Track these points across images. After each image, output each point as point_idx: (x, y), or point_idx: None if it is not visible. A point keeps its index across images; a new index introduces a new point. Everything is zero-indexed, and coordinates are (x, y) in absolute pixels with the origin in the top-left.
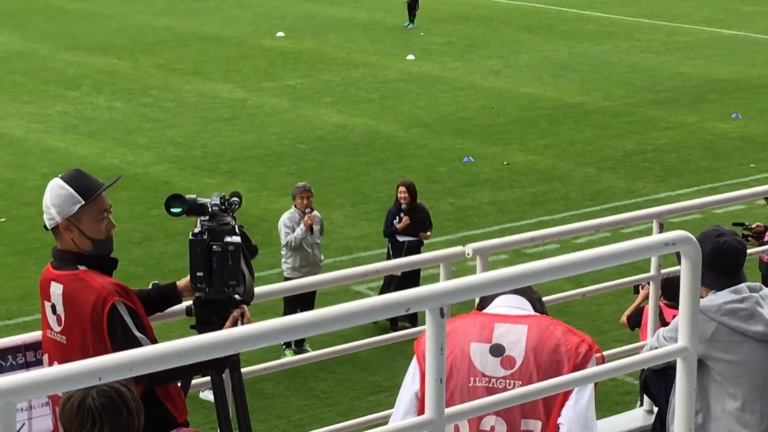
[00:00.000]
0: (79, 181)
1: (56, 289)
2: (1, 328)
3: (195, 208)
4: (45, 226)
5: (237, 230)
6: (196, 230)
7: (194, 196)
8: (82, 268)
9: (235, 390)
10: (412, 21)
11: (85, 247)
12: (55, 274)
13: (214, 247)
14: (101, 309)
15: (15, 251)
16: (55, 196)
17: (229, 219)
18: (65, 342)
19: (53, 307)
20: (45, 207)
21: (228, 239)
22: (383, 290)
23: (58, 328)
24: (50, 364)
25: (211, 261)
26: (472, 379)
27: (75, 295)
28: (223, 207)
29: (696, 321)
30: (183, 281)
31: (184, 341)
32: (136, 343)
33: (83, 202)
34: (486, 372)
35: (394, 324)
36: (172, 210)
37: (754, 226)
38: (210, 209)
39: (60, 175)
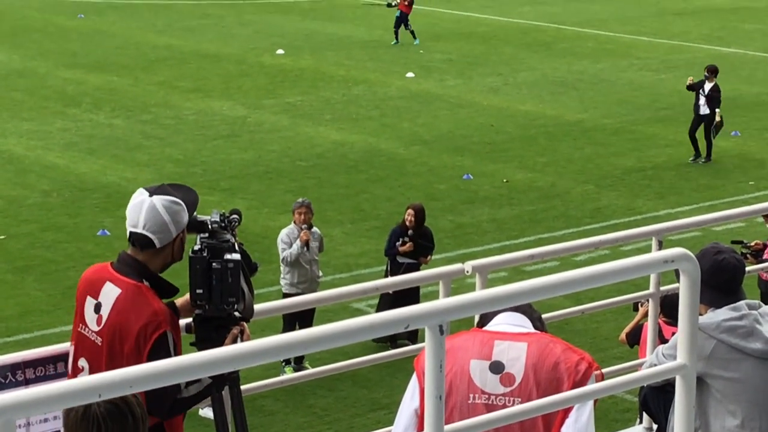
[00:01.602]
0: (180, 194)
1: (111, 291)
2: (0, 345)
3: (195, 226)
4: (139, 244)
5: (237, 247)
6: (196, 247)
7: (194, 213)
8: (146, 283)
9: (235, 407)
10: (397, 39)
11: (179, 257)
12: (116, 276)
13: (213, 264)
14: (152, 331)
15: (14, 268)
16: (174, 213)
17: (228, 236)
18: (100, 343)
19: (98, 306)
20: (161, 226)
21: (228, 256)
22: (379, 309)
23: (95, 327)
24: (76, 358)
25: (210, 278)
26: (471, 396)
27: (131, 305)
28: (223, 224)
29: (695, 338)
30: (181, 300)
31: (183, 358)
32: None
33: (189, 214)
34: (486, 389)
35: (393, 341)
36: None
37: (752, 243)
38: (210, 226)
39: (155, 191)
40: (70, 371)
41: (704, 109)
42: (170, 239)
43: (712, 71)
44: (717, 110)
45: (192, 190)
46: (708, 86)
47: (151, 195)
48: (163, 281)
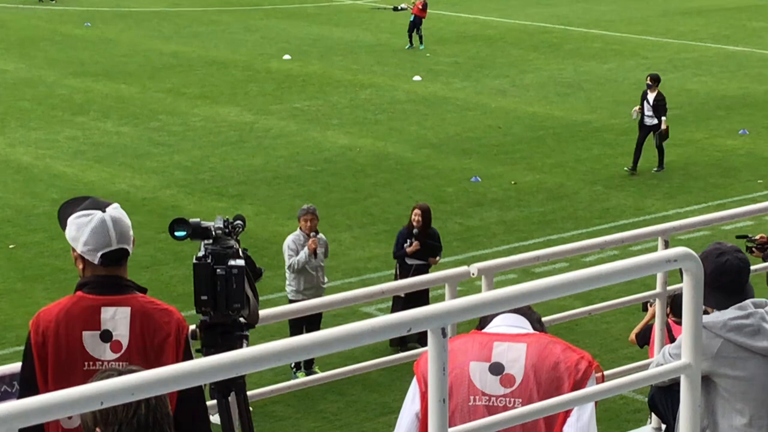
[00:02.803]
0: (78, 200)
1: (117, 312)
2: (10, 354)
3: (199, 232)
4: (118, 261)
5: (241, 253)
6: (200, 254)
7: (198, 219)
8: (139, 293)
9: (241, 413)
10: (411, 42)
11: None
12: (110, 299)
13: (218, 270)
14: (178, 332)
15: (24, 277)
16: (126, 215)
17: (232, 242)
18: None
19: (105, 335)
20: (127, 235)
21: (232, 262)
22: (393, 311)
23: (112, 356)
24: None
25: (215, 284)
26: (472, 398)
27: (151, 315)
28: (227, 230)
29: (699, 338)
30: None
31: (189, 363)
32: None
33: None
34: (486, 390)
35: (403, 344)
36: (176, 234)
37: (757, 237)
38: (214, 233)
39: (101, 206)
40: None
41: (650, 120)
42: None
43: (655, 80)
44: (663, 118)
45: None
46: (652, 96)
47: (103, 211)
48: (143, 287)
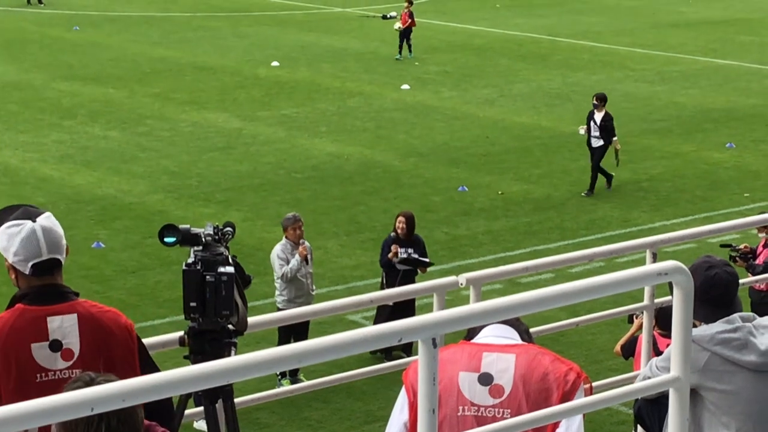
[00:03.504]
0: (10, 210)
1: (65, 321)
2: None
3: (188, 238)
4: (51, 271)
5: (230, 260)
6: (190, 261)
7: (188, 226)
8: (80, 299)
9: (228, 419)
10: (401, 52)
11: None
12: (54, 308)
13: (207, 277)
14: (128, 332)
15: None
16: (58, 224)
17: (222, 249)
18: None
19: (55, 344)
20: (62, 240)
21: (221, 269)
22: (377, 320)
23: (64, 364)
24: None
25: (204, 291)
26: (460, 408)
27: (99, 318)
28: (217, 237)
29: (688, 351)
30: None
31: (177, 371)
32: (155, 368)
33: None
34: (475, 401)
35: (388, 353)
36: (166, 240)
37: (741, 247)
38: (203, 239)
39: (31, 216)
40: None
41: (597, 141)
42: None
43: (601, 99)
44: (614, 139)
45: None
46: (599, 116)
47: (33, 221)
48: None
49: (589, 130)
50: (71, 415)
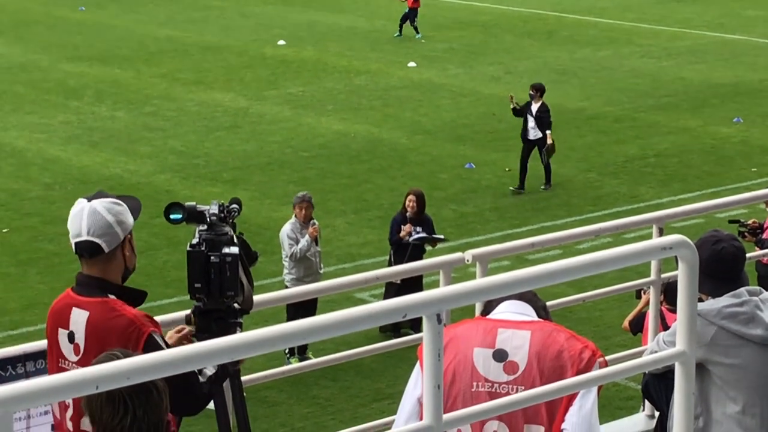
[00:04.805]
0: (123, 198)
1: (79, 316)
2: (4, 338)
3: (194, 216)
4: (87, 253)
5: (235, 240)
6: (194, 241)
7: (194, 203)
8: (112, 296)
9: (236, 398)
10: (401, 32)
11: (132, 264)
12: (79, 300)
13: (212, 258)
14: (136, 339)
15: (17, 261)
16: (118, 213)
17: (227, 229)
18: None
19: (71, 335)
20: (105, 228)
21: (226, 250)
22: (385, 298)
23: (74, 358)
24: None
25: (209, 272)
26: (474, 384)
27: (103, 323)
28: (222, 216)
29: (694, 325)
30: (171, 333)
31: (184, 348)
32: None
33: (134, 216)
34: (489, 377)
35: (396, 330)
36: (172, 217)
37: (749, 222)
38: (208, 218)
39: (95, 197)
40: (57, 414)
41: (534, 133)
42: (118, 241)
43: (538, 89)
44: (548, 132)
45: (134, 197)
46: (535, 107)
47: (89, 201)
48: (129, 289)
49: (525, 121)
50: (76, 393)
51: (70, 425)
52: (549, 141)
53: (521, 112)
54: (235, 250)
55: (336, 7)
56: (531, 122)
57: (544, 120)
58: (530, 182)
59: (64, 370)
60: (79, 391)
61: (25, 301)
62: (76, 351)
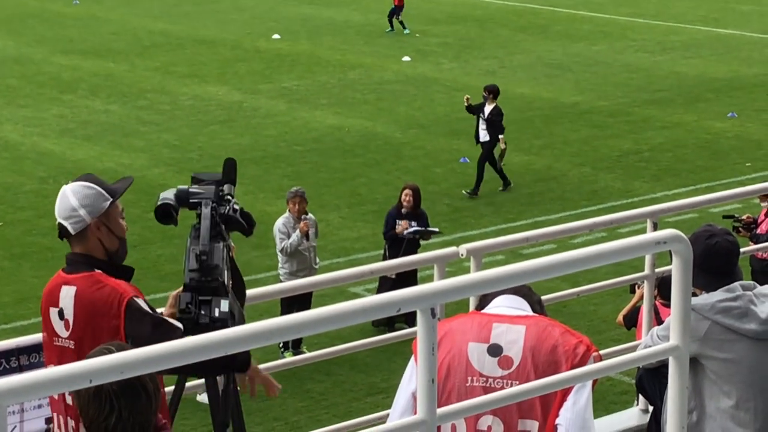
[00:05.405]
0: (101, 182)
1: (67, 292)
2: None
3: (183, 201)
4: (62, 235)
5: (238, 214)
6: (182, 307)
7: (185, 190)
8: (98, 271)
9: (230, 392)
10: (392, 26)
11: (112, 246)
12: (68, 277)
13: (201, 321)
14: (117, 305)
15: (11, 255)
16: (84, 197)
17: (218, 271)
18: (73, 347)
19: (60, 312)
20: (68, 211)
21: (216, 313)
22: (379, 293)
23: (65, 334)
24: None
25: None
26: (469, 378)
27: (88, 295)
28: (216, 217)
29: (688, 320)
30: None
31: (178, 342)
32: (165, 325)
33: (111, 200)
34: (483, 372)
35: (391, 325)
36: (163, 222)
37: (743, 217)
38: (198, 261)
39: (73, 181)
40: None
41: (484, 135)
42: (84, 224)
43: (492, 92)
44: (501, 136)
45: (128, 177)
46: (488, 109)
47: (67, 184)
48: (116, 264)
49: (477, 124)
50: (69, 387)
51: (69, 400)
52: (502, 146)
53: (474, 110)
54: (225, 308)
55: (330, 1)
56: (482, 124)
57: (495, 124)
58: (520, 178)
59: (58, 347)
60: (72, 385)
61: (18, 295)
62: (66, 326)
